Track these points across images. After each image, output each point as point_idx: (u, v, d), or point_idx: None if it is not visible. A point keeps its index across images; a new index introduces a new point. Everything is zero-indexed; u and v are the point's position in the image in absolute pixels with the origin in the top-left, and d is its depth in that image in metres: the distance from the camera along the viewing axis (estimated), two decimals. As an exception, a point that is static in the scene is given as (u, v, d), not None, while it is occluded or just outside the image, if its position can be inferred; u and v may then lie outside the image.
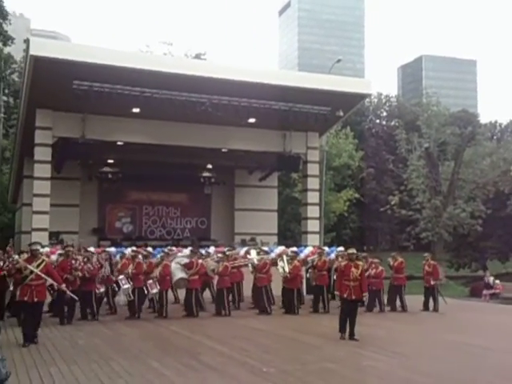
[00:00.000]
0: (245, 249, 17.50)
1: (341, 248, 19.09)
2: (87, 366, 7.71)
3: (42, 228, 18.78)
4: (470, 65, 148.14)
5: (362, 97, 22.70)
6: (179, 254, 15.91)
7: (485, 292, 24.14)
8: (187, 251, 16.57)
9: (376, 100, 56.22)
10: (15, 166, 24.99)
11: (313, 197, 23.30)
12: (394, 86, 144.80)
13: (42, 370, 7.41)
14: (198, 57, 38.66)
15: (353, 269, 10.21)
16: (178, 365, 7.90)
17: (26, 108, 18.90)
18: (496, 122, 63.95)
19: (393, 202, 32.99)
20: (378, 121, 59.46)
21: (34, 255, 9.59)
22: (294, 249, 17.56)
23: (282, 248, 19.02)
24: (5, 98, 35.75)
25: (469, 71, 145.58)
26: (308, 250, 19.41)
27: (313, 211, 23.26)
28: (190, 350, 9.10)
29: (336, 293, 13.06)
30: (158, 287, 13.05)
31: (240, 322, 12.76)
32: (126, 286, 12.93)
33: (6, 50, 31.07)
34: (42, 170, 19.10)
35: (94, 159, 21.57)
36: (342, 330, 10.26)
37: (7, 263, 12.41)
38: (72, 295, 10.56)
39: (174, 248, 15.69)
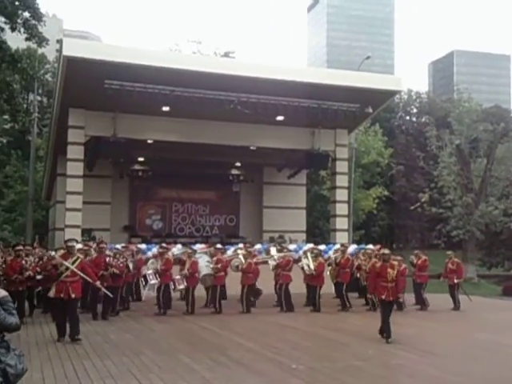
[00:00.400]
0: (232, 248, 17.17)
1: (370, 246, 18.97)
2: (119, 359, 7.89)
3: (75, 225, 19.21)
4: (503, 60, 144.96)
5: (392, 93, 22.53)
6: (173, 249, 16.13)
7: (518, 291, 23.69)
8: (179, 247, 17.01)
9: (406, 96, 55.47)
10: (49, 164, 25.57)
11: (341, 194, 23.23)
12: (424, 83, 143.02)
13: (77, 363, 7.62)
14: (226, 55, 38.82)
15: (389, 269, 9.96)
16: (208, 360, 8.02)
17: (59, 107, 19.34)
18: (530, 117, 62.49)
19: (423, 200, 32.52)
20: (407, 117, 58.72)
21: (69, 252, 9.59)
22: (323, 246, 17.55)
23: (309, 245, 19.01)
24: (39, 98, 36.58)
25: (502, 66, 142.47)
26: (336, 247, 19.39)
27: (341, 209, 23.21)
28: (219, 345, 9.22)
29: (369, 296, 13.08)
30: (185, 283, 13.18)
31: (267, 319, 12.82)
32: (152, 282, 13.09)
33: (40, 50, 31.77)
34: (75, 168, 19.51)
35: (125, 157, 21.94)
36: (388, 333, 9.84)
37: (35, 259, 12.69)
38: (107, 292, 10.65)
39: (164, 244, 15.66)
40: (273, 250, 15.20)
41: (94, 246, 14.46)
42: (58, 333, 9.28)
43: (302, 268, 14.60)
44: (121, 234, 23.16)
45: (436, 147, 31.75)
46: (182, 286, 13.20)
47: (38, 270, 11.97)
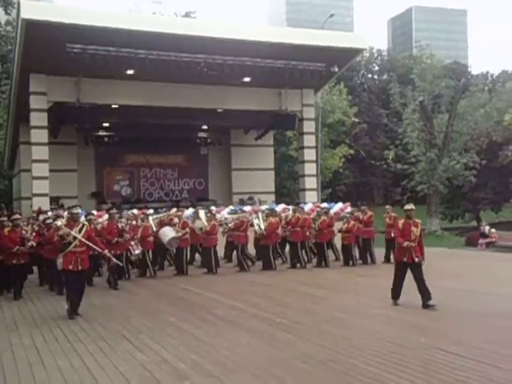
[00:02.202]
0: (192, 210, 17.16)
1: (339, 204, 19.27)
2: (107, 322, 7.98)
3: (43, 193, 18.93)
4: (460, 15, 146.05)
5: (357, 52, 22.62)
6: (186, 212, 16.20)
7: (481, 241, 24.65)
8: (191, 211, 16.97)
9: (368, 54, 55.67)
10: (10, 132, 24.87)
11: (309, 154, 23.45)
12: (384, 40, 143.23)
13: (65, 328, 7.67)
14: (187, 15, 38.05)
15: (412, 227, 8.94)
16: (194, 319, 8.18)
17: (19, 73, 18.71)
18: (487, 72, 63.82)
19: (390, 157, 33.09)
20: (369, 75, 59.11)
21: (74, 220, 8.80)
22: (325, 205, 17.79)
23: (282, 206, 19.24)
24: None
25: (459, 22, 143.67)
26: (338, 206, 19.72)
27: (310, 168, 23.48)
28: (203, 305, 9.40)
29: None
30: (141, 248, 13.06)
31: (244, 278, 13.07)
32: (137, 252, 13.05)
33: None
34: (39, 135, 19.08)
35: (90, 123, 21.51)
36: (395, 296, 9.14)
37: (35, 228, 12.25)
38: (117, 261, 9.94)
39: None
40: (201, 213, 15.09)
41: (65, 213, 14.17)
42: (72, 309, 8.44)
43: (255, 230, 14.77)
44: (89, 201, 22.90)
45: (399, 104, 32.16)
46: (137, 251, 13.04)
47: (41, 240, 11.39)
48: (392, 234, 15.08)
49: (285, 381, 5.30)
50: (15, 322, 8.33)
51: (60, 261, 8.46)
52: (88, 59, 16.68)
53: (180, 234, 13.46)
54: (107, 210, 13.68)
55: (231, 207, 19.12)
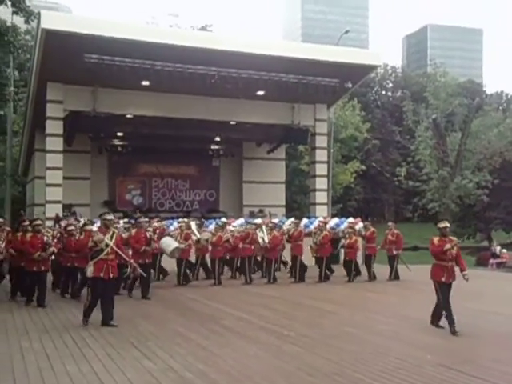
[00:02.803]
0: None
1: (350, 219, 19.26)
2: (115, 329, 8.05)
3: (56, 200, 19.17)
4: (475, 34, 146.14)
5: (371, 68, 22.73)
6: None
7: (491, 261, 24.49)
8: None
9: (382, 71, 55.79)
10: (26, 140, 25.20)
11: (321, 169, 23.53)
12: (398, 57, 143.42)
13: (74, 334, 7.75)
14: (204, 29, 38.45)
15: (447, 245, 8.43)
16: (202, 329, 8.23)
17: (37, 81, 19.04)
18: (502, 92, 63.58)
19: (402, 174, 33.07)
20: (383, 92, 59.21)
21: (106, 226, 8.55)
22: (335, 220, 17.83)
23: (291, 220, 19.24)
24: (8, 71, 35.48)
25: (474, 40, 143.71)
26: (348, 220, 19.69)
27: (321, 183, 23.53)
28: (211, 315, 9.44)
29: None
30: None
31: (252, 290, 13.11)
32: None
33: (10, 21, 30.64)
34: (54, 143, 19.35)
35: (105, 132, 21.77)
36: (451, 321, 8.21)
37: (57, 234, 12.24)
38: (141, 272, 9.85)
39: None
40: (193, 225, 15.14)
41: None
42: (86, 314, 8.40)
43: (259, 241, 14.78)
44: (101, 209, 22.92)
45: (412, 121, 32.20)
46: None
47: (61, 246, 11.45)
48: (394, 252, 15.13)
49: (290, 393, 5.33)
50: (25, 327, 8.42)
51: (91, 269, 8.25)
52: (105, 69, 16.95)
53: (183, 246, 13.50)
54: (135, 219, 13.58)
55: (242, 219, 19.20)
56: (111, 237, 8.42)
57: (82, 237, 11.23)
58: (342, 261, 16.07)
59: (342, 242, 15.38)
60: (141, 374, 5.88)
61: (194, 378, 5.79)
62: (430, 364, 6.39)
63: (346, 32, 30.27)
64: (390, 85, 60.60)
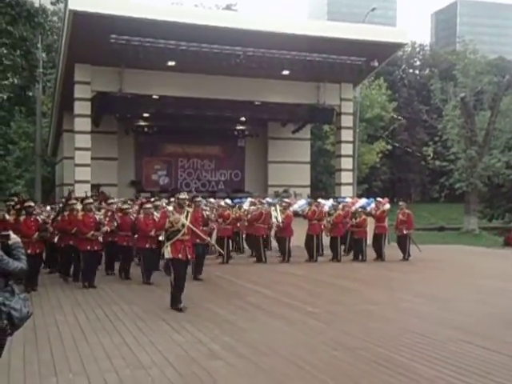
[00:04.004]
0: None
1: (378, 199, 19.08)
2: (145, 305, 8.34)
3: (85, 180, 19.48)
4: (507, 9, 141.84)
5: (398, 46, 22.40)
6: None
7: (519, 241, 24.20)
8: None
9: (409, 49, 54.79)
10: (54, 121, 25.65)
11: (346, 148, 23.42)
12: (426, 34, 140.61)
13: (106, 308, 8.08)
14: (228, 8, 38.27)
15: None
16: (229, 305, 8.46)
17: (65, 63, 19.29)
18: (534, 69, 61.91)
19: (428, 153, 32.70)
20: (410, 70, 58.18)
21: (180, 206, 8.20)
22: (364, 200, 17.92)
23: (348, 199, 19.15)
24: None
25: (506, 16, 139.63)
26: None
27: (346, 163, 23.45)
28: (237, 292, 9.66)
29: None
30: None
31: (276, 269, 13.31)
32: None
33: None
34: (82, 123, 19.64)
35: (131, 113, 22.00)
36: None
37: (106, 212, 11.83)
38: (220, 250, 10.24)
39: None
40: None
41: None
42: (175, 300, 8.06)
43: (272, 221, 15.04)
44: (128, 189, 23.47)
45: (440, 100, 31.70)
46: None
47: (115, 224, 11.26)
48: (404, 231, 15.10)
49: (315, 365, 5.49)
50: (59, 301, 8.75)
51: (168, 250, 8.01)
52: (131, 50, 17.10)
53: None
54: (192, 198, 13.46)
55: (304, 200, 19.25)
56: (186, 216, 8.16)
57: (141, 216, 10.99)
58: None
59: (353, 221, 15.49)
60: (171, 346, 6.12)
61: (222, 350, 6.00)
62: (452, 340, 6.48)
63: (373, 9, 29.82)
64: (418, 63, 59.51)
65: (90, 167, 19.74)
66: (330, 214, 15.56)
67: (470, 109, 30.63)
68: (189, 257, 8.14)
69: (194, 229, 8.30)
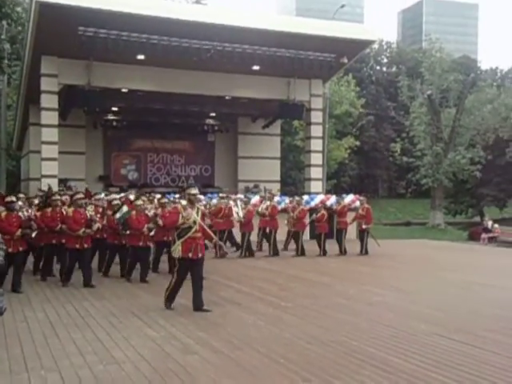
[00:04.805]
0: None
1: (351, 196, 19.23)
2: (117, 301, 8.25)
3: (52, 175, 19.09)
4: (471, 9, 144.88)
5: (367, 43, 22.62)
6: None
7: (483, 236, 24.83)
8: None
9: (377, 46, 55.44)
10: (20, 114, 25.02)
11: (316, 144, 23.56)
12: (393, 32, 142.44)
13: (77, 304, 7.95)
14: (198, 2, 37.98)
15: None
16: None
17: (31, 55, 18.84)
18: (497, 68, 63.56)
19: (396, 149, 33.24)
20: (378, 67, 58.95)
21: (191, 202, 7.73)
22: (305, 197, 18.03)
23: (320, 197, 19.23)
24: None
25: (470, 16, 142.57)
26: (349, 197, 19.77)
27: (316, 158, 23.60)
28: (209, 287, 9.52)
29: None
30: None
31: (248, 264, 13.31)
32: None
33: None
34: (49, 117, 19.23)
35: (100, 107, 21.61)
36: None
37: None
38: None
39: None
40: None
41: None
42: (170, 299, 7.79)
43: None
44: (96, 184, 23.11)
45: (407, 97, 32.23)
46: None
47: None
48: (363, 226, 15.31)
49: (289, 359, 5.52)
50: (28, 297, 8.58)
51: (179, 248, 7.56)
52: (99, 43, 16.82)
53: None
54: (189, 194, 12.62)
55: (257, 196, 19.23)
56: (197, 213, 7.71)
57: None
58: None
59: (313, 216, 15.70)
60: (144, 341, 6.07)
61: (196, 344, 5.98)
62: (424, 333, 6.61)
63: (342, 6, 30.07)
64: (385, 60, 60.35)
65: (57, 161, 19.37)
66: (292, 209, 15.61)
67: (436, 106, 31.24)
68: (199, 255, 7.68)
69: (205, 226, 7.93)
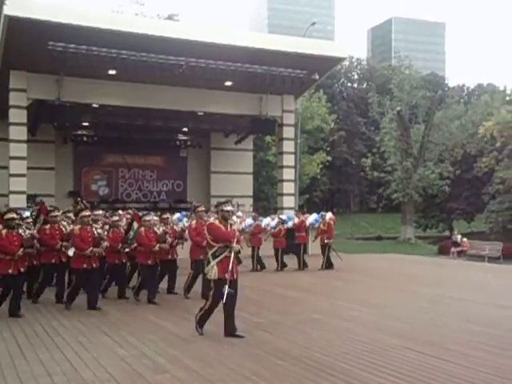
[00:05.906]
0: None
1: (329, 214, 19.29)
2: (87, 319, 8.07)
3: (20, 191, 18.77)
4: (438, 27, 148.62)
5: (338, 60, 22.87)
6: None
7: (453, 250, 25.22)
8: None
9: (347, 63, 56.32)
10: (-13, 129, 24.55)
11: (288, 160, 23.69)
12: (363, 49, 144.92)
13: (45, 323, 7.75)
14: (170, 18, 38.06)
15: None
16: (173, 317, 8.34)
17: (0, 69, 18.58)
18: (464, 85, 65.09)
19: (366, 165, 33.67)
20: (349, 84, 59.83)
21: (224, 219, 7.20)
22: (283, 217, 18.06)
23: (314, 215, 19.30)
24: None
25: (437, 34, 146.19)
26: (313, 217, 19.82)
27: (288, 174, 23.71)
28: (179, 304, 9.52)
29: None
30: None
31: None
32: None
33: None
34: (18, 132, 18.92)
35: (70, 122, 21.35)
36: None
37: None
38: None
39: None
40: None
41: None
42: (202, 323, 7.33)
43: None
44: (66, 200, 22.77)
45: (377, 113, 32.75)
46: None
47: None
48: (325, 241, 15.44)
49: (261, 375, 5.48)
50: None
51: (215, 269, 7.02)
52: (70, 58, 16.64)
53: None
54: (194, 209, 11.28)
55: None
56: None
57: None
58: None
59: (272, 230, 15.92)
60: (114, 360, 5.95)
61: (167, 363, 5.89)
62: (396, 347, 6.64)
63: (313, 24, 30.45)
64: (356, 77, 61.33)
65: (26, 177, 19.04)
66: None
67: (405, 122, 31.82)
68: (235, 276, 7.17)
69: (238, 245, 7.16)
